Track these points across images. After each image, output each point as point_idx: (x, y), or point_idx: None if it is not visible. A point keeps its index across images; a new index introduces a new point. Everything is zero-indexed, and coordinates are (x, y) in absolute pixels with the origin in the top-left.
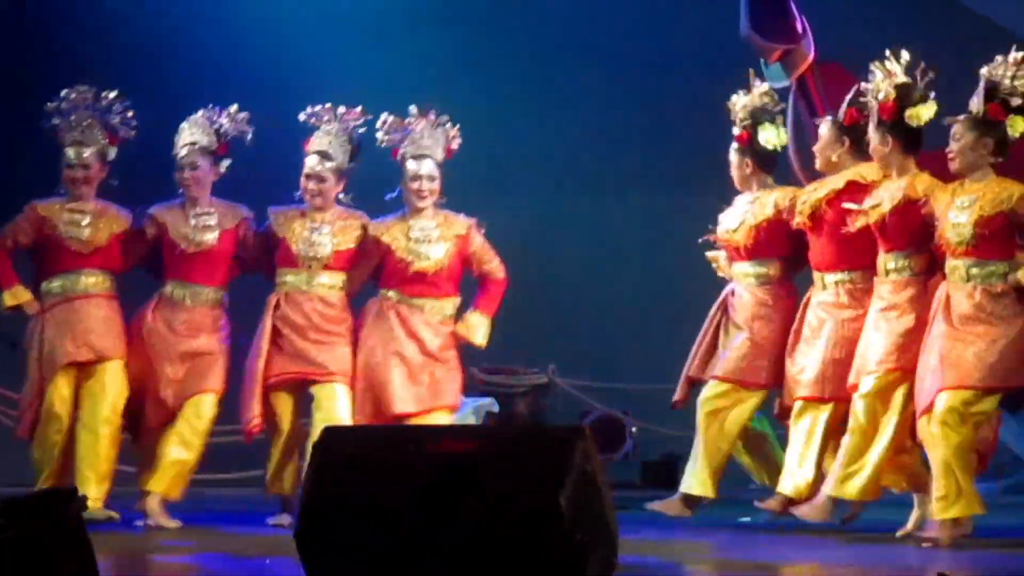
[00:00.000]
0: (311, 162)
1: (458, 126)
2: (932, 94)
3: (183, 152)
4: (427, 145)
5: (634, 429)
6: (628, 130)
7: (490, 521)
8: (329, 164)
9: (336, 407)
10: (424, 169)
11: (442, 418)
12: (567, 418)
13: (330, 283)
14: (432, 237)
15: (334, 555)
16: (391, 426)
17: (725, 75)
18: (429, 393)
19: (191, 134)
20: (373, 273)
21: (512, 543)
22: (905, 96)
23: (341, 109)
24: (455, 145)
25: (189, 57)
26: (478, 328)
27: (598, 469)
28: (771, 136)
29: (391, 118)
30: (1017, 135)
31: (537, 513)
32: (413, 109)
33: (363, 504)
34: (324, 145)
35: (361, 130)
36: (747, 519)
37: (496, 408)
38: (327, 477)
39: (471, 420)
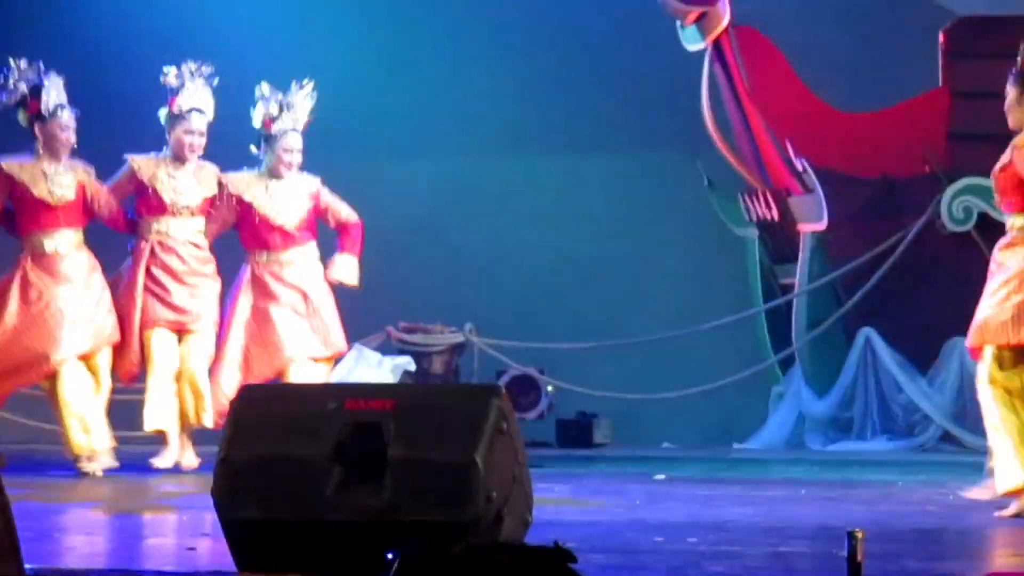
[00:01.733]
0: (196, 119)
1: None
2: None
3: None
4: (295, 118)
5: (550, 388)
6: (545, 93)
7: (407, 479)
8: (205, 119)
9: (202, 351)
10: (293, 143)
11: (326, 368)
12: (483, 377)
13: (197, 228)
14: (290, 198)
15: (251, 512)
16: (308, 384)
17: (641, 39)
18: (318, 341)
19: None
20: (228, 225)
21: (429, 500)
22: None
23: (192, 66)
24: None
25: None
26: (348, 268)
27: (514, 427)
28: None
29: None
30: None
31: (453, 470)
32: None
33: (281, 462)
34: (198, 102)
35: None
36: (661, 476)
37: (413, 367)
38: (245, 436)
39: (388, 378)
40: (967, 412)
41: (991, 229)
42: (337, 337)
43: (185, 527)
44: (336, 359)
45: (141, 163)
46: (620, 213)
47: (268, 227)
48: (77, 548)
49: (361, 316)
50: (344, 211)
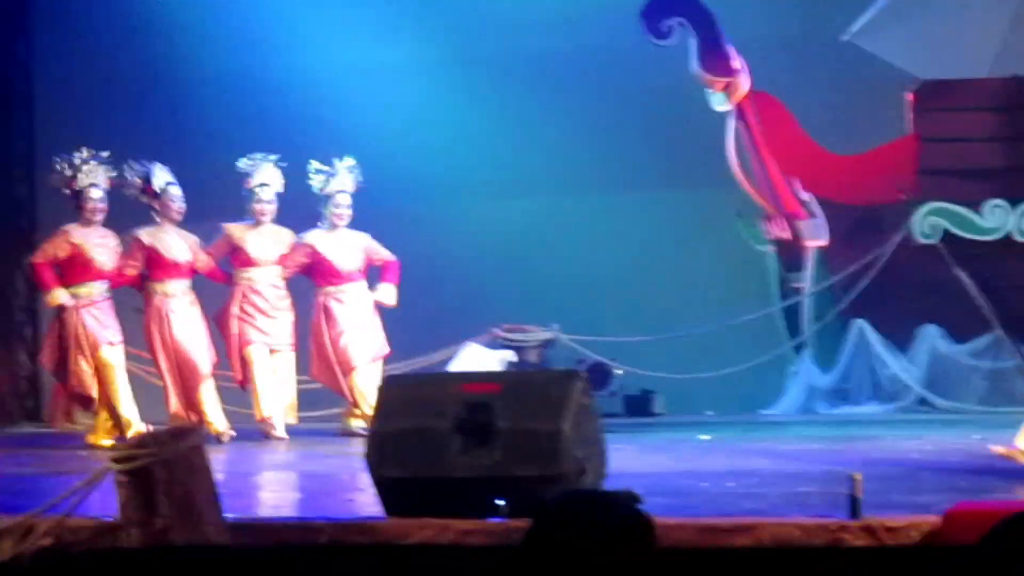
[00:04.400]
0: (264, 192)
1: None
2: None
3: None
4: (344, 183)
5: (618, 372)
6: (612, 136)
7: (511, 443)
8: (272, 190)
9: (284, 364)
10: (345, 201)
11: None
12: (567, 365)
13: (277, 273)
14: (350, 249)
15: (395, 471)
16: (433, 373)
17: (685, 99)
18: (377, 347)
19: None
20: (300, 269)
21: (528, 460)
22: None
23: (259, 155)
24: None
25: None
26: (390, 294)
27: (591, 402)
28: None
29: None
30: None
31: (546, 436)
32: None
33: (416, 433)
34: (265, 179)
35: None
36: (706, 437)
37: (515, 358)
38: (389, 414)
39: (496, 367)
40: (937, 382)
41: (953, 242)
42: (381, 343)
43: (344, 484)
44: (383, 359)
45: (232, 229)
46: (669, 237)
47: (335, 271)
48: (265, 501)
49: (472, 320)
50: (382, 253)
